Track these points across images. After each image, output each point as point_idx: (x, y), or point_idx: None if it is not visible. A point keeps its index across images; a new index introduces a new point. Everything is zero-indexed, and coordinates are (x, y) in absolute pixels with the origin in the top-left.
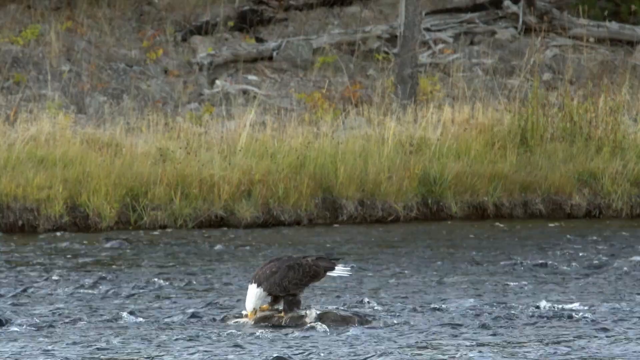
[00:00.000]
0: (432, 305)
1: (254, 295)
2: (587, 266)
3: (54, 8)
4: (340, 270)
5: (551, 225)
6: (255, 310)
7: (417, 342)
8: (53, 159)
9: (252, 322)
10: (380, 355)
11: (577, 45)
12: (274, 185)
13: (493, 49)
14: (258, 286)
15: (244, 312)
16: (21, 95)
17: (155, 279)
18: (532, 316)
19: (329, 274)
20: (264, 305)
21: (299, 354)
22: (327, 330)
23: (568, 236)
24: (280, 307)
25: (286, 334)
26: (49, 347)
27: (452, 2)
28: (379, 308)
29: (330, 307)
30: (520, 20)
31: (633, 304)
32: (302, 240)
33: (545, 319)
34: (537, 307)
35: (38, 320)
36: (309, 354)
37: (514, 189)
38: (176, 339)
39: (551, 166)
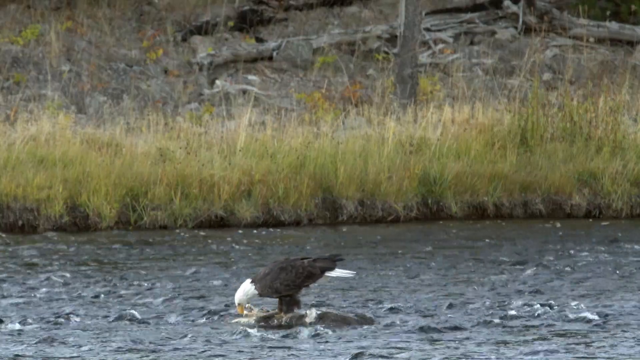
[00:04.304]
0: (432, 305)
1: (243, 289)
2: (587, 266)
3: (54, 8)
4: (340, 272)
5: (551, 225)
6: (241, 306)
7: (417, 342)
8: (53, 159)
9: (252, 322)
10: (380, 356)
11: (577, 45)
12: (274, 185)
13: (493, 49)
14: (251, 282)
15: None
16: (21, 95)
17: (155, 279)
18: (532, 316)
19: (328, 274)
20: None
21: (299, 354)
22: (327, 330)
23: (568, 236)
24: (281, 308)
25: (286, 335)
26: (49, 347)
27: (452, 2)
28: (379, 308)
29: (330, 308)
30: (520, 20)
31: (633, 304)
32: (302, 240)
33: (545, 319)
34: (537, 307)
35: (38, 320)
36: (309, 354)
37: (514, 189)
38: (176, 339)
39: (551, 166)
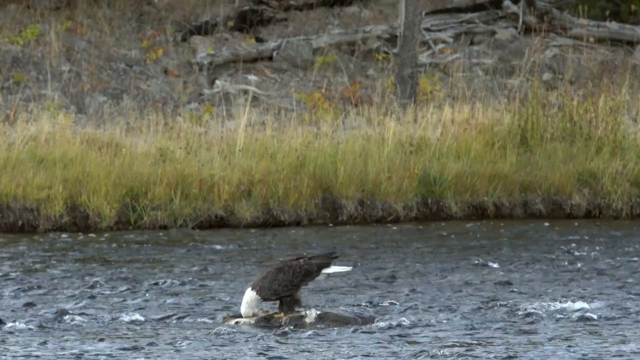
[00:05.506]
0: (432, 306)
1: (246, 300)
2: (586, 266)
3: (54, 8)
4: (337, 267)
5: (551, 225)
6: (250, 315)
7: (417, 342)
8: (53, 159)
9: (252, 322)
10: (380, 356)
11: (577, 45)
12: (274, 185)
13: (493, 49)
14: (252, 289)
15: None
16: (21, 95)
17: (155, 279)
18: (532, 316)
19: (324, 271)
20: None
21: (299, 354)
22: (327, 330)
23: (568, 236)
24: (282, 308)
25: (286, 335)
26: (49, 347)
27: (452, 2)
28: (379, 308)
29: (330, 308)
30: (520, 20)
31: (633, 304)
32: (302, 240)
33: (544, 318)
34: (537, 307)
35: (38, 320)
36: (309, 354)
37: (514, 189)
38: (176, 339)
39: (551, 166)
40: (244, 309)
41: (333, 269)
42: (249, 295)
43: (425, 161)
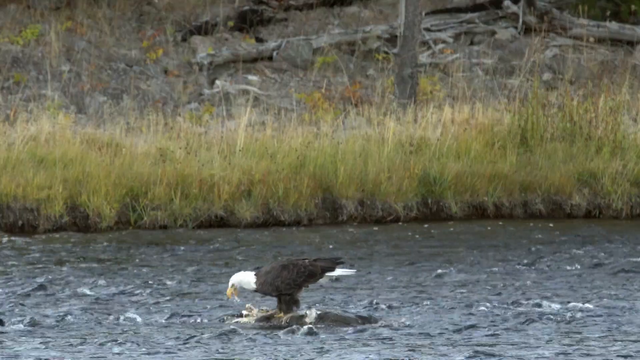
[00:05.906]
0: (432, 306)
1: (243, 275)
2: (586, 266)
3: (54, 8)
4: (341, 271)
5: (551, 225)
6: (234, 287)
7: (417, 342)
8: (53, 159)
9: (252, 322)
10: (381, 356)
11: (577, 45)
12: (274, 185)
13: (493, 49)
14: (255, 276)
15: (244, 312)
16: (21, 95)
17: (155, 279)
18: (532, 316)
19: (328, 274)
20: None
21: (299, 354)
22: (327, 330)
23: (568, 236)
24: (281, 307)
25: (286, 335)
26: (49, 347)
27: (452, 2)
28: (379, 308)
29: (330, 308)
30: (520, 20)
31: (632, 304)
32: (302, 240)
33: (545, 318)
34: (537, 307)
35: (38, 320)
36: (309, 354)
37: (514, 189)
38: (175, 339)
39: (551, 166)
40: (236, 278)
41: (337, 272)
42: (250, 280)
43: (425, 161)
